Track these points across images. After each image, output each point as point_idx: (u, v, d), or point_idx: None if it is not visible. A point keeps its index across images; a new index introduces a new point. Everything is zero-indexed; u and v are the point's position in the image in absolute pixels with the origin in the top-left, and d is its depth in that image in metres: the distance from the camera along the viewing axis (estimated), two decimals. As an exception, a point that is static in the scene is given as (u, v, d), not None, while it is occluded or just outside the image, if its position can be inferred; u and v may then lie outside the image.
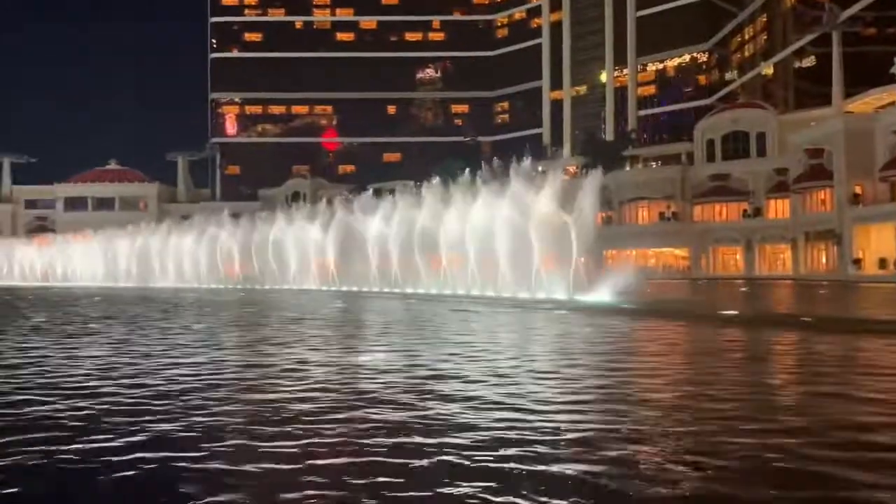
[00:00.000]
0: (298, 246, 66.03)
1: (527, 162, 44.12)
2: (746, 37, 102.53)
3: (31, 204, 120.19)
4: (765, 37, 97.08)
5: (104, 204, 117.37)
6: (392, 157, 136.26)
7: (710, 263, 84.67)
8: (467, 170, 48.57)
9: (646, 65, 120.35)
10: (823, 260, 72.71)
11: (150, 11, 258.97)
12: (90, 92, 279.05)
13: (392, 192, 62.29)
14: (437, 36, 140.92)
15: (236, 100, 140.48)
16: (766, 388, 10.52)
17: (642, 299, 31.95)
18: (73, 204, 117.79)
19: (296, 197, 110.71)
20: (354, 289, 55.08)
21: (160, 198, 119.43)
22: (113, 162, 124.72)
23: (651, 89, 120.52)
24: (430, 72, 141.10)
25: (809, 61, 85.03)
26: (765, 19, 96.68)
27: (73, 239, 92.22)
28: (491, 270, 42.22)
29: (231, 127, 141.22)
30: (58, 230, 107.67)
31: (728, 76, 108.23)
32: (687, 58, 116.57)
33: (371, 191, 67.27)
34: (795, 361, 13.82)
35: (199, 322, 23.97)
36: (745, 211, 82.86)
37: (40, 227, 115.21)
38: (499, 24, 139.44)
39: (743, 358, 14.25)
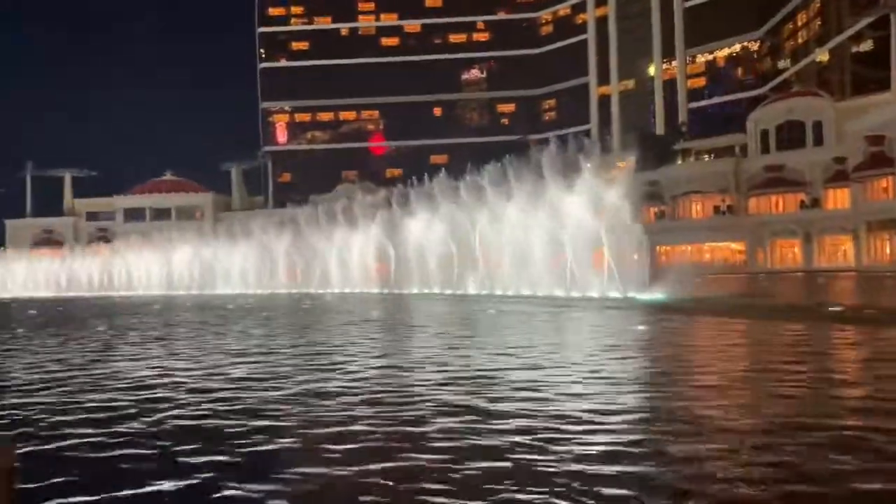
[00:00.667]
0: (347, 249, 66.96)
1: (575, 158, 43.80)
2: (800, 23, 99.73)
3: (92, 216, 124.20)
4: (819, 22, 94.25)
5: (161, 214, 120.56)
6: (439, 158, 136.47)
7: (768, 257, 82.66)
8: (507, 164, 48.31)
9: (695, 56, 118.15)
10: (887, 250, 70.30)
11: (201, 24, 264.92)
12: (146, 105, 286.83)
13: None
14: (482, 36, 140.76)
15: (286, 108, 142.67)
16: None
17: (698, 296, 31.39)
18: (132, 215, 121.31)
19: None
20: (405, 291, 55.35)
21: (215, 207, 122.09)
22: (169, 173, 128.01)
23: (701, 81, 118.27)
24: (475, 72, 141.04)
25: (867, 45, 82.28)
26: (818, 4, 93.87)
27: (131, 248, 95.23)
28: (538, 268, 41.93)
29: (282, 135, 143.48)
30: (117, 241, 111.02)
31: (781, 64, 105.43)
32: (738, 47, 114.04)
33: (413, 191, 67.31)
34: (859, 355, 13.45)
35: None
36: (802, 202, 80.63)
37: (101, 239, 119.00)
38: (543, 21, 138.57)
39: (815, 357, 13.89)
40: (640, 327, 20.39)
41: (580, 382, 10.64)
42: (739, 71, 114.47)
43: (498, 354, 14.26)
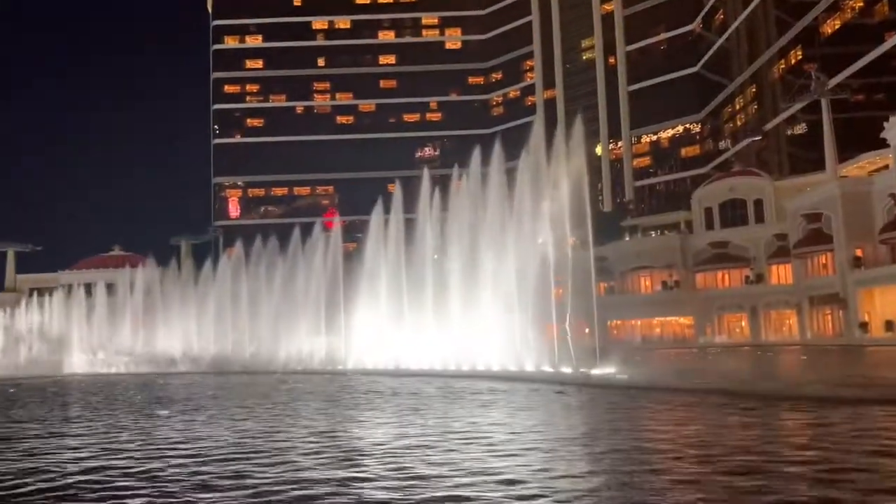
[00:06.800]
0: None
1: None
2: (737, 107, 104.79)
3: (35, 293, 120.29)
4: (755, 106, 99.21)
5: (108, 290, 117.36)
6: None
7: (716, 331, 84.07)
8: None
9: (640, 137, 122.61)
10: (830, 324, 72.18)
11: (155, 98, 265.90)
12: (94, 180, 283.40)
13: None
14: (435, 116, 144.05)
15: (239, 183, 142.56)
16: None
17: (664, 375, 31.38)
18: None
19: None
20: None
21: (163, 281, 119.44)
22: (117, 248, 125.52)
23: (646, 160, 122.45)
24: (428, 150, 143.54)
25: (801, 128, 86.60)
26: (754, 89, 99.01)
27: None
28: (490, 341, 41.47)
29: (234, 209, 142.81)
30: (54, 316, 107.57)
31: (722, 145, 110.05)
32: (680, 129, 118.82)
33: None
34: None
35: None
36: (747, 277, 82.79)
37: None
38: (494, 102, 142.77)
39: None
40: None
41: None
42: (682, 150, 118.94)
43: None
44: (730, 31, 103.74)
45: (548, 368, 36.09)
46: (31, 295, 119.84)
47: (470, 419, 17.38)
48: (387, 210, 57.93)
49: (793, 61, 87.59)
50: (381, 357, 51.18)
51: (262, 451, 13.53)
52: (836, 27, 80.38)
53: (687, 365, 41.56)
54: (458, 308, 43.85)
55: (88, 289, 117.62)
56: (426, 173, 56.59)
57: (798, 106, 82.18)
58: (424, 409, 20.61)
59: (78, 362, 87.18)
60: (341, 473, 10.96)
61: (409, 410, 20.62)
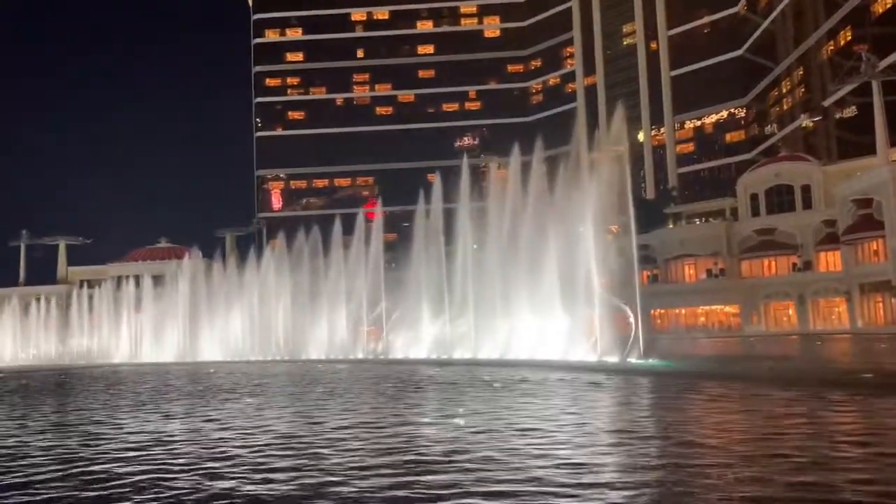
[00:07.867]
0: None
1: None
2: (784, 90, 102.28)
3: (85, 284, 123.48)
4: (803, 89, 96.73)
5: (155, 281, 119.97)
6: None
7: (762, 320, 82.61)
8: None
9: (683, 122, 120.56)
10: (881, 312, 70.36)
11: (200, 93, 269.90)
12: (142, 173, 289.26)
13: None
14: (473, 105, 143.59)
15: (281, 175, 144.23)
16: None
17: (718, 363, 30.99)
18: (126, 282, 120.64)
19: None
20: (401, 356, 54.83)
21: (208, 273, 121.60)
22: (163, 240, 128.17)
23: (690, 146, 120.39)
24: (467, 139, 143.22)
25: (850, 111, 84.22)
26: (801, 72, 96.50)
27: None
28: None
29: (277, 202, 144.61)
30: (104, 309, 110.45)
31: (768, 130, 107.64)
32: (724, 113, 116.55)
33: None
34: None
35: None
36: (794, 265, 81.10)
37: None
38: (533, 90, 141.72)
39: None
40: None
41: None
42: (727, 136, 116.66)
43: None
44: (776, 12, 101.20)
45: (590, 358, 35.95)
46: (81, 286, 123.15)
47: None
48: (427, 200, 58.05)
49: (842, 42, 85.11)
50: (422, 346, 51.54)
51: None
52: (888, 6, 77.83)
53: (741, 352, 40.95)
54: (502, 298, 43.89)
55: (137, 280, 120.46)
56: (465, 162, 56.51)
57: (847, 88, 79.91)
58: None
59: (124, 352, 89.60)
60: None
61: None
